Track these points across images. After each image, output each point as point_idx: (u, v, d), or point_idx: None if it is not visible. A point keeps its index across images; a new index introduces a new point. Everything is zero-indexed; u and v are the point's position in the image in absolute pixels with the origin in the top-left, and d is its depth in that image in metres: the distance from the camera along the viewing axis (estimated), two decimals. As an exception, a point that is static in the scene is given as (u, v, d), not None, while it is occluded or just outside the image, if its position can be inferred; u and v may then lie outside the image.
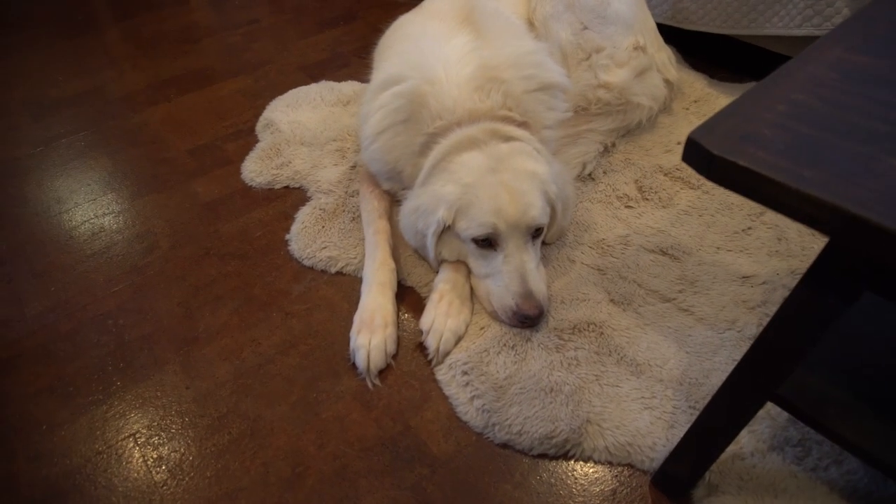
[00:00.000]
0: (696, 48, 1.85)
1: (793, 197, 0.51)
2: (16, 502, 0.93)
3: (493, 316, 1.14)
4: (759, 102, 0.61)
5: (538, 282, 1.12)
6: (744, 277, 1.18)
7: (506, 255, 1.11)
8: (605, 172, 1.44)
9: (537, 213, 1.10)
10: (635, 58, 1.50)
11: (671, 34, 1.83)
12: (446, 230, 1.14)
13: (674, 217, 1.32)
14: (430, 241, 1.14)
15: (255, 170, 1.53)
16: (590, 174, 1.43)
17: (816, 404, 0.72)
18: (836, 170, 0.52)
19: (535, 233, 1.14)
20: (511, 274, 1.10)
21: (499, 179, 1.09)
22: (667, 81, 1.57)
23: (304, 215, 1.38)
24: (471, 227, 1.10)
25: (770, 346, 0.68)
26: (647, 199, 1.37)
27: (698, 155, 0.56)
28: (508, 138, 1.14)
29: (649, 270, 1.21)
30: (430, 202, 1.13)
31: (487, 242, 1.12)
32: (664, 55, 1.58)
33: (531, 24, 1.48)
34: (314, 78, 1.91)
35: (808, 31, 1.48)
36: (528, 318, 1.09)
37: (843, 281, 0.59)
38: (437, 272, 1.21)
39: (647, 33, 1.55)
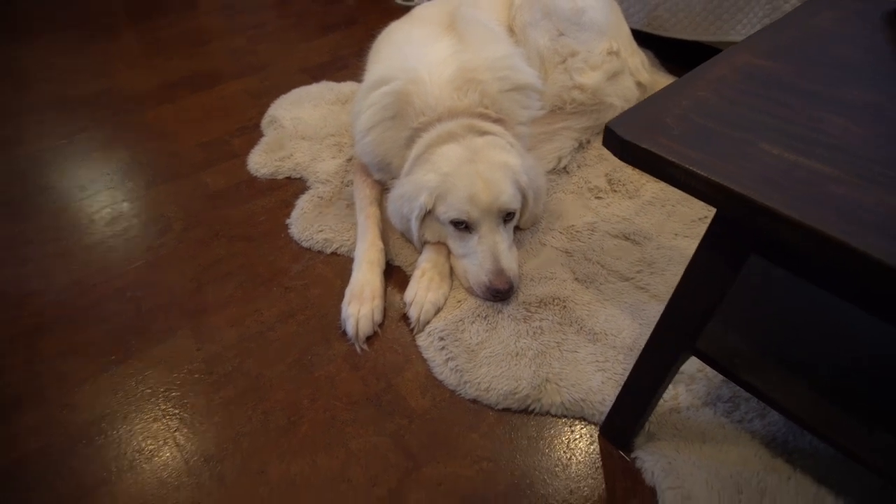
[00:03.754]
0: (673, 53, 1.98)
1: (682, 173, 0.65)
2: (52, 442, 1.07)
3: (470, 291, 1.28)
4: (669, 98, 0.75)
5: (510, 261, 1.25)
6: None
7: (480, 236, 1.24)
8: (578, 167, 1.58)
9: (507, 199, 1.23)
10: (608, 61, 1.63)
11: (650, 40, 1.97)
12: (428, 214, 1.28)
13: (638, 207, 1.46)
14: (414, 224, 1.28)
15: (260, 162, 1.67)
16: (564, 168, 1.57)
17: (728, 357, 0.85)
18: (717, 152, 0.65)
19: (507, 217, 1.27)
20: (485, 253, 1.24)
21: (474, 169, 1.22)
22: (639, 84, 1.70)
23: (303, 202, 1.52)
24: (449, 211, 1.23)
25: (681, 305, 0.81)
26: (615, 191, 1.51)
27: (613, 140, 0.70)
28: (484, 133, 1.28)
29: (612, 253, 1.35)
30: (413, 189, 1.26)
31: (464, 225, 1.25)
32: (637, 60, 1.72)
33: (511, 31, 1.61)
34: (315, 78, 2.06)
35: (767, 38, 1.61)
36: (499, 293, 1.23)
37: (731, 245, 0.72)
38: (421, 252, 1.35)
39: (621, 39, 1.69)
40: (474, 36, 1.37)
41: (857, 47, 0.83)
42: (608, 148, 0.72)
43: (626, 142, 0.68)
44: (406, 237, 1.38)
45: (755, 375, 0.84)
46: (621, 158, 0.70)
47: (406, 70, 1.31)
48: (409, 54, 1.34)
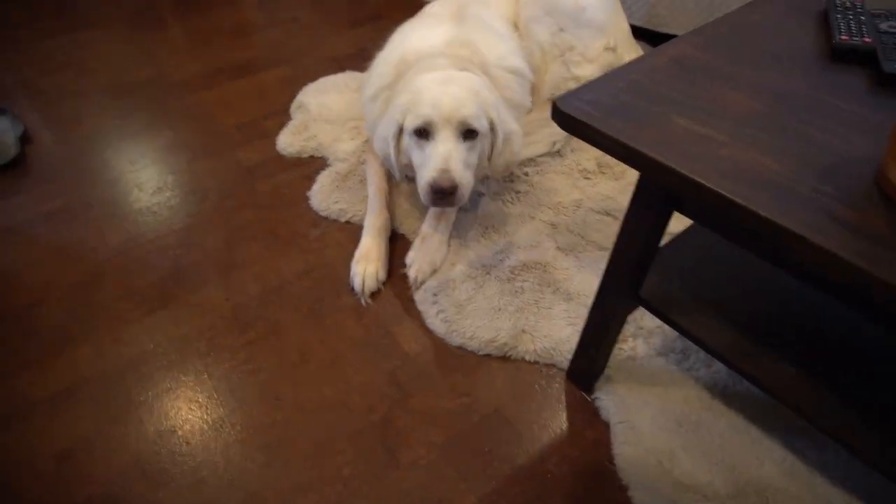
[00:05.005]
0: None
1: (607, 140, 0.80)
2: (105, 369, 1.28)
3: (426, 202, 1.33)
4: (608, 81, 0.90)
5: (459, 167, 1.28)
6: (669, 234, 1.45)
7: (436, 143, 1.29)
8: (572, 150, 1.73)
9: (469, 112, 1.28)
10: (604, 56, 1.77)
11: (655, 37, 2.10)
12: (401, 135, 1.36)
13: (622, 187, 1.60)
14: (391, 145, 1.36)
15: (287, 141, 1.87)
16: (558, 151, 1.72)
17: (665, 304, 1.00)
18: (634, 122, 0.80)
19: (468, 134, 1.30)
20: (436, 157, 1.28)
21: (444, 87, 1.31)
22: (634, 77, 1.83)
23: (323, 178, 1.71)
24: (413, 120, 1.30)
25: (620, 255, 0.97)
26: (603, 173, 1.66)
27: (556, 112, 0.86)
28: (465, 70, 1.40)
29: (593, 227, 1.50)
30: (391, 112, 1.37)
31: (425, 133, 1.31)
32: (634, 56, 1.85)
33: (516, 26, 1.76)
34: (342, 68, 2.24)
35: (754, 34, 1.73)
36: (441, 192, 1.26)
37: (654, 201, 0.87)
38: (401, 182, 1.52)
39: (620, 36, 1.82)
40: (477, 27, 1.53)
41: (781, 39, 0.96)
42: (554, 120, 0.88)
43: (563, 113, 0.84)
44: (388, 167, 1.50)
45: (688, 319, 0.99)
46: (562, 128, 0.86)
47: (406, 45, 1.48)
48: (411, 36, 1.51)
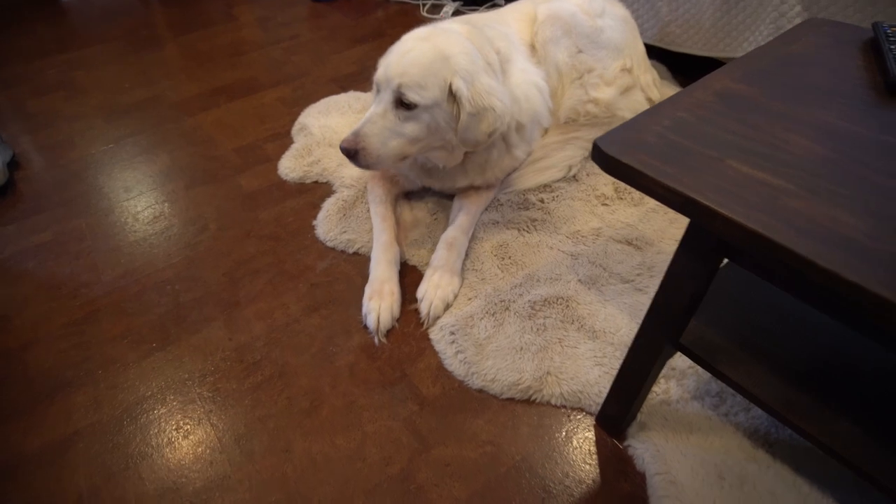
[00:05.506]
0: (686, 66, 2.05)
1: (658, 186, 0.73)
2: (100, 419, 1.20)
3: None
4: (651, 118, 0.84)
5: (371, 134, 1.29)
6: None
7: (374, 103, 1.32)
8: (587, 175, 1.67)
9: (407, 81, 1.25)
10: (622, 77, 1.72)
11: (663, 53, 2.05)
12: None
13: (642, 214, 1.54)
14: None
15: (290, 166, 1.79)
16: (574, 175, 1.66)
17: (708, 351, 0.93)
18: (688, 167, 0.74)
19: (406, 105, 1.28)
20: (363, 118, 1.31)
21: (412, 45, 1.30)
22: (649, 99, 1.78)
23: (329, 205, 1.64)
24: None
25: (663, 302, 0.90)
26: (621, 199, 1.59)
27: (599, 155, 0.79)
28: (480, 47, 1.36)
29: (615, 257, 1.43)
30: None
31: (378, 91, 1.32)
32: (649, 76, 1.80)
33: (533, 47, 1.70)
34: (344, 88, 2.18)
35: (773, 54, 1.68)
36: (344, 150, 1.30)
37: (703, 249, 0.81)
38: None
39: (636, 57, 1.77)
40: (502, 41, 1.47)
41: (829, 73, 0.90)
42: (595, 162, 0.81)
43: (608, 156, 0.77)
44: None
45: (732, 368, 0.92)
46: (606, 171, 0.79)
47: None
48: None
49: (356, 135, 1.29)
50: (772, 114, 0.82)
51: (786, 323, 0.96)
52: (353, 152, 1.29)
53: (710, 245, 0.80)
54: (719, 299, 0.98)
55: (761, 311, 0.98)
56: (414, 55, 1.28)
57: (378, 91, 1.31)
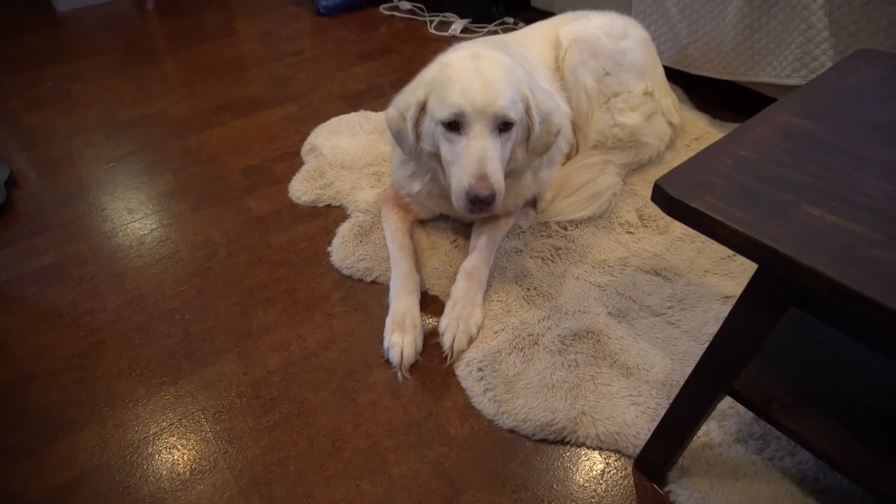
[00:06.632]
0: (702, 88, 2.03)
1: (727, 231, 0.69)
2: (108, 461, 1.13)
3: (459, 209, 1.24)
4: (713, 157, 0.79)
5: (496, 171, 1.19)
6: (726, 297, 1.35)
7: (469, 139, 1.19)
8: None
9: (506, 102, 1.18)
10: (645, 102, 1.68)
11: (680, 75, 2.02)
12: (422, 115, 1.27)
13: (669, 243, 1.50)
14: (409, 123, 1.27)
15: (301, 189, 1.73)
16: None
17: (763, 399, 0.89)
18: (760, 212, 0.69)
19: (503, 127, 1.21)
20: (470, 157, 1.18)
21: (474, 65, 1.21)
22: (670, 124, 1.75)
23: (344, 230, 1.58)
24: (441, 109, 1.20)
25: (721, 348, 0.85)
26: (646, 227, 1.55)
27: (661, 197, 0.75)
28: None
29: (644, 289, 1.39)
30: (413, 84, 1.28)
31: (455, 126, 1.21)
32: (669, 100, 1.77)
33: (559, 71, 1.65)
34: (353, 107, 2.12)
35: (796, 81, 1.66)
36: (478, 199, 1.17)
37: (771, 298, 0.76)
38: (412, 161, 1.39)
39: (656, 80, 1.74)
40: (523, 60, 1.42)
41: (890, 108, 0.87)
42: (657, 203, 0.77)
43: (674, 199, 0.73)
44: (399, 144, 1.36)
45: (789, 417, 0.87)
46: (669, 214, 0.75)
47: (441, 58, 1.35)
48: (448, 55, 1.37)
49: (484, 179, 1.16)
50: (839, 152, 0.79)
51: (847, 369, 0.92)
52: (491, 199, 1.18)
53: (780, 293, 0.75)
54: (773, 343, 0.94)
55: (819, 356, 0.94)
56: (490, 76, 1.19)
57: (463, 125, 1.20)
